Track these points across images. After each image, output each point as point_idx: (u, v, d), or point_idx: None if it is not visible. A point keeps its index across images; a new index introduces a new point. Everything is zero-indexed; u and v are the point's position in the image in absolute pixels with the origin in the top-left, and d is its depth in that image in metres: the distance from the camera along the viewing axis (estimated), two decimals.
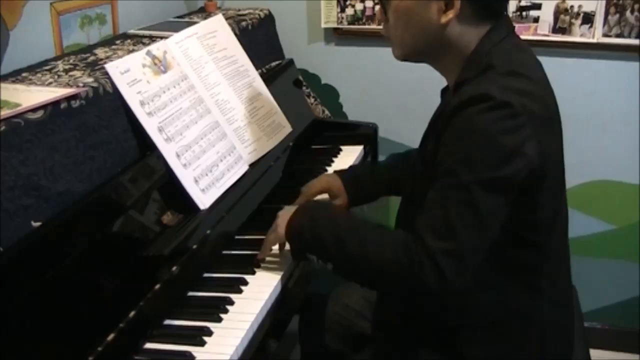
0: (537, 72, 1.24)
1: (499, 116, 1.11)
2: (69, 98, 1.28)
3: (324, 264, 1.29)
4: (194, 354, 1.18)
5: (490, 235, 1.16)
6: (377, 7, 1.34)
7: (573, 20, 2.08)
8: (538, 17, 2.09)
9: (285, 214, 1.38)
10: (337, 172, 1.67)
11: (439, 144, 1.18)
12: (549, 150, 1.18)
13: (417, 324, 1.33)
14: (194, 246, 1.38)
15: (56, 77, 1.42)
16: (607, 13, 2.04)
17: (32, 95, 1.25)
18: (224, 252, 1.48)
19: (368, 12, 2.21)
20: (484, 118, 1.12)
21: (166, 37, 1.60)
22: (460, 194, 1.12)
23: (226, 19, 1.85)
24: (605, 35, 2.07)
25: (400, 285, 1.20)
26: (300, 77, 2.18)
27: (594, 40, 2.08)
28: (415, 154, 1.64)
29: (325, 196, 1.64)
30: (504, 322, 1.28)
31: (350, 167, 1.75)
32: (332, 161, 1.96)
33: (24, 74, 1.43)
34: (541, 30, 2.09)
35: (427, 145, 1.28)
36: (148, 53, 1.47)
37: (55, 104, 1.24)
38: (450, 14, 1.20)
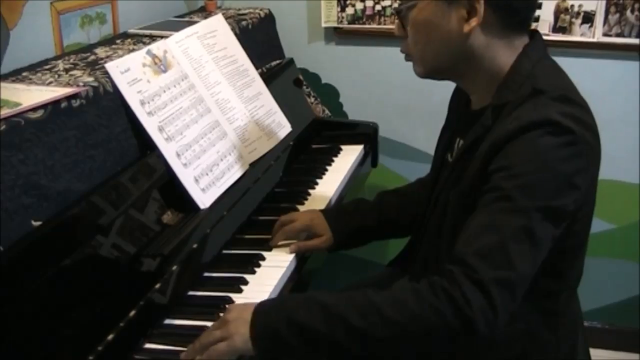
0: (580, 96, 1.17)
1: (562, 142, 1.07)
2: (69, 97, 1.28)
3: None
4: None
5: (537, 267, 1.08)
6: (396, 22, 1.25)
7: (573, 20, 2.08)
8: (538, 16, 2.09)
9: (237, 316, 1.12)
10: (322, 210, 1.55)
11: (486, 170, 1.11)
12: (593, 182, 1.15)
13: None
14: (194, 245, 1.38)
15: (56, 76, 1.42)
16: (607, 12, 2.05)
17: (32, 95, 1.25)
18: (224, 251, 1.48)
19: (368, 12, 2.20)
20: (546, 143, 1.07)
21: (166, 37, 1.60)
22: (518, 220, 1.05)
23: (226, 18, 1.85)
24: (605, 34, 2.07)
25: (442, 336, 1.03)
26: (301, 77, 2.18)
27: (594, 40, 2.08)
28: (414, 189, 1.55)
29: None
30: (525, 353, 1.22)
31: (335, 204, 1.65)
32: (333, 160, 1.96)
33: (24, 74, 1.43)
34: (541, 29, 2.08)
35: (463, 171, 1.19)
36: (148, 52, 1.47)
37: (55, 103, 1.24)
38: (473, 22, 1.13)
